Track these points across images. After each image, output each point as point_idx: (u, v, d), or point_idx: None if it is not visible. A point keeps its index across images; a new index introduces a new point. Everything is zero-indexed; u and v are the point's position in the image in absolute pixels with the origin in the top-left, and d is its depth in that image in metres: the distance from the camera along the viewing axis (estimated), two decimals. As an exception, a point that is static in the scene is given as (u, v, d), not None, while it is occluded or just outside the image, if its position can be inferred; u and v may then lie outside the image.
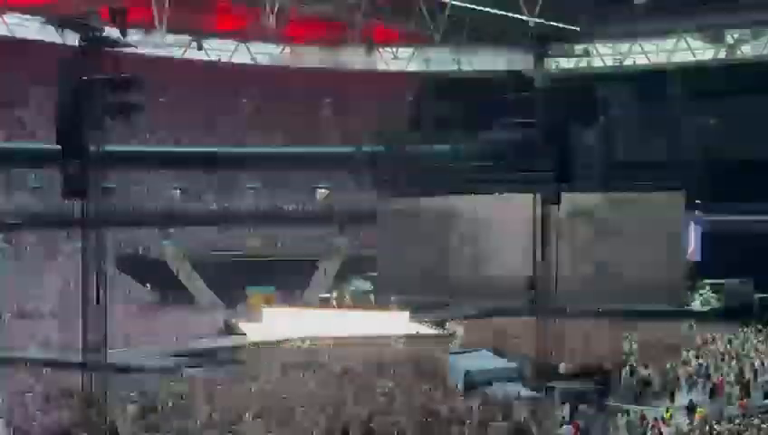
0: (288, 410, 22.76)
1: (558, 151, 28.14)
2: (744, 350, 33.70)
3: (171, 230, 57.62)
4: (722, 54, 60.14)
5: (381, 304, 45.98)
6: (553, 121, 28.27)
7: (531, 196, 29.17)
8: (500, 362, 28.78)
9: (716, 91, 54.54)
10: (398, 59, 68.07)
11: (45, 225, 51.40)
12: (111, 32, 24.01)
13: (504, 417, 22.06)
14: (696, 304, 46.24)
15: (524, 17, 50.36)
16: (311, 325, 39.58)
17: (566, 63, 58.76)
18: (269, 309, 45.31)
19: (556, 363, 28.14)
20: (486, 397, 24.48)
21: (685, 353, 32.41)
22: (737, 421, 21.97)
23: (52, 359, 31.19)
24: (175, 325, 41.76)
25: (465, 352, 29.59)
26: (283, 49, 66.29)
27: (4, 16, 58.97)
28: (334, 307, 46.02)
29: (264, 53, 66.93)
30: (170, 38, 59.41)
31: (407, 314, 42.59)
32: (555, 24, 49.11)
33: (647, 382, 27.90)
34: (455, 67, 64.77)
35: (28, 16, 57.78)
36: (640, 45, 61.58)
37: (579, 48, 56.30)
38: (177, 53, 63.47)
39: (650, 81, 58.72)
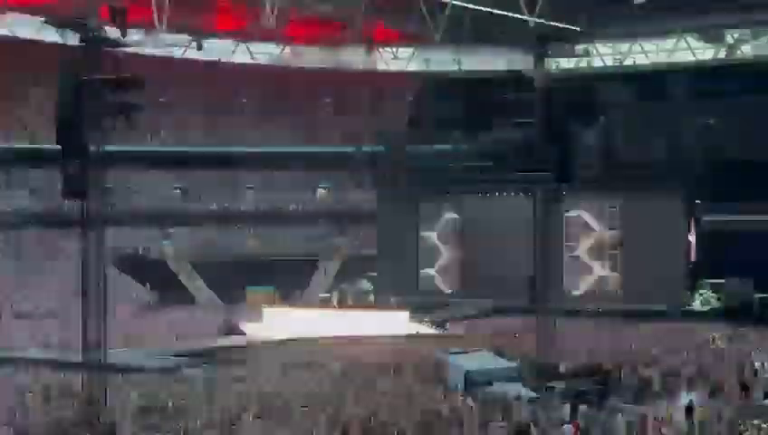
0: (288, 410, 22.77)
1: (558, 151, 28.13)
2: (743, 350, 33.67)
3: (171, 230, 57.63)
4: (722, 54, 60.07)
5: (381, 304, 46.00)
6: (553, 122, 28.27)
7: (531, 196, 29.18)
8: (500, 362, 28.72)
9: (716, 91, 54.54)
10: (398, 59, 67.92)
11: (45, 225, 51.40)
12: (111, 32, 24.03)
13: (503, 417, 22.05)
14: (696, 304, 46.20)
15: (524, 17, 50.28)
16: (311, 325, 39.57)
17: (566, 63, 58.77)
18: (269, 309, 45.33)
19: (556, 363, 28.15)
20: (486, 397, 24.47)
21: (685, 353, 32.39)
22: (737, 421, 21.94)
23: (52, 359, 31.20)
24: (175, 325, 41.77)
25: (465, 352, 29.53)
26: (283, 49, 66.24)
27: (4, 16, 58.91)
28: (334, 307, 46.04)
29: (263, 53, 66.88)
30: (170, 38, 59.33)
31: (407, 314, 42.60)
32: (555, 24, 49.03)
33: (647, 382, 27.88)
34: (455, 67, 64.73)
35: (28, 16, 57.66)
36: (640, 45, 61.51)
37: (579, 48, 56.42)
38: (177, 52, 63.40)
39: (650, 81, 58.76)
